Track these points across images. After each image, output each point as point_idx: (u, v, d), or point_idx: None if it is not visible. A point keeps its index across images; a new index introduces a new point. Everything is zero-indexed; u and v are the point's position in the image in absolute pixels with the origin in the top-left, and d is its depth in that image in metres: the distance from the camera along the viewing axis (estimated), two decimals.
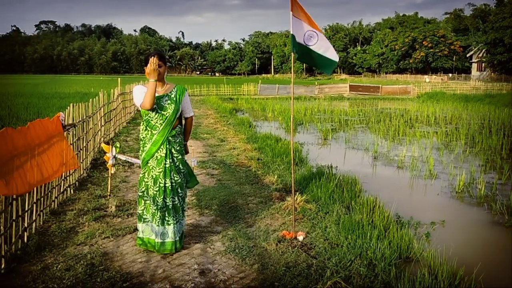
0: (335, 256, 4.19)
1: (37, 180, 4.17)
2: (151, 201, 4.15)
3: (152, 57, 3.98)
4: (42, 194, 5.02)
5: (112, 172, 6.28)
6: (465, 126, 16.02)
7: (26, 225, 4.47)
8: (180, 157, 4.25)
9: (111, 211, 5.52)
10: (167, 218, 4.17)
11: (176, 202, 4.20)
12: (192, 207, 5.81)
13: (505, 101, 26.76)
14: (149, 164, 4.16)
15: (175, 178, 4.19)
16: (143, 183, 4.20)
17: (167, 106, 4.10)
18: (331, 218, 5.25)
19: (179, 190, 4.22)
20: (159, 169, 4.12)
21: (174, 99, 4.14)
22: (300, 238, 4.68)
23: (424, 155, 10.63)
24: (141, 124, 4.24)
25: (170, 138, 4.16)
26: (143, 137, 4.20)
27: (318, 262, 4.10)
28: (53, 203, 5.51)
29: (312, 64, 4.85)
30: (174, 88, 4.20)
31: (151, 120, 4.11)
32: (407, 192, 7.75)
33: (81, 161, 7.07)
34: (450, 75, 72.62)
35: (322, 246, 4.49)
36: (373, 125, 16.76)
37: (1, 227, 3.84)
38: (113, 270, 3.88)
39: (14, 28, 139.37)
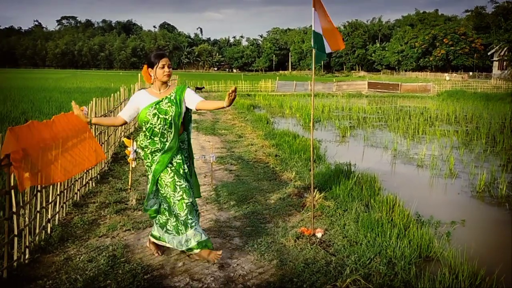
0: (354, 253, 4.19)
1: (68, 171, 4.25)
2: (168, 211, 3.96)
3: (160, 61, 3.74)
4: (65, 187, 5.12)
5: (133, 166, 6.36)
6: (486, 125, 15.76)
7: (49, 216, 4.56)
8: (189, 164, 4.06)
9: (132, 204, 5.60)
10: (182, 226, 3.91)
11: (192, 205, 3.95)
12: (210, 202, 5.85)
13: None
14: (164, 177, 3.85)
15: (184, 184, 3.89)
16: (160, 193, 3.95)
17: (168, 109, 3.78)
18: (350, 216, 5.24)
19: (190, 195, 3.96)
20: (172, 176, 3.85)
21: (174, 101, 3.81)
22: (319, 235, 4.68)
23: (444, 154, 10.51)
24: (142, 134, 3.93)
25: (180, 143, 3.94)
26: (145, 146, 3.88)
27: (337, 260, 4.10)
28: (75, 195, 5.61)
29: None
30: (173, 90, 3.88)
31: (155, 127, 3.79)
32: (427, 191, 7.68)
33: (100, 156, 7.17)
34: (471, 73, 71.54)
35: (341, 243, 4.48)
36: (392, 123, 16.61)
37: (26, 218, 3.93)
38: (134, 262, 3.94)
39: (37, 23, 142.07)
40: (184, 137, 4.01)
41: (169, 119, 3.78)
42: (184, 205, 3.82)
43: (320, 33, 4.61)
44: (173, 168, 3.89)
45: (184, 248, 3.92)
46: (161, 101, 3.81)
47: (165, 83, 3.90)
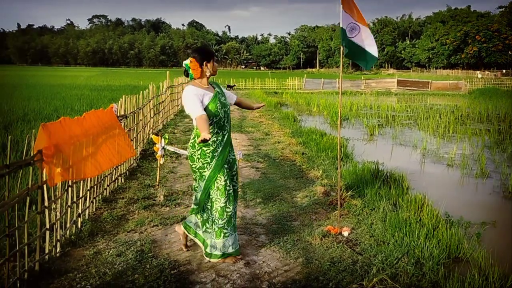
0: (381, 253, 4.14)
1: (94, 168, 4.34)
2: (229, 221, 3.88)
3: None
4: (95, 182, 5.23)
5: (161, 162, 6.46)
6: None
7: (80, 211, 4.67)
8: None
9: (160, 201, 5.68)
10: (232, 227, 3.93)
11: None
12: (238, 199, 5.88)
13: None
14: (220, 176, 3.79)
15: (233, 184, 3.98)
16: (222, 198, 3.82)
17: (225, 102, 3.84)
18: (377, 215, 5.18)
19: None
20: (226, 174, 3.83)
21: (222, 94, 3.89)
22: (345, 233, 4.65)
23: (475, 153, 10.27)
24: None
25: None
26: (213, 141, 3.76)
27: (363, 259, 4.06)
28: (105, 191, 5.73)
29: (352, 57, 4.76)
30: (212, 85, 3.89)
31: (221, 120, 3.77)
32: (457, 190, 7.52)
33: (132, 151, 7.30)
34: (504, 71, 69.55)
35: (368, 242, 4.44)
36: (422, 121, 16.32)
37: (57, 213, 4.04)
38: (161, 257, 4.00)
39: (69, 22, 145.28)
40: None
41: (228, 111, 3.88)
42: (225, 214, 3.81)
43: (348, 34, 4.55)
44: (227, 169, 3.86)
45: (204, 252, 3.96)
46: (217, 94, 3.79)
47: (208, 79, 3.87)
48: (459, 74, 69.46)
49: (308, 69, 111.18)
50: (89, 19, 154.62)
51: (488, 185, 7.74)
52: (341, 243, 4.39)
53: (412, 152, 10.63)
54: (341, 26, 4.54)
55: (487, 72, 68.14)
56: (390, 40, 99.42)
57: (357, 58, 4.73)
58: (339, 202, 5.08)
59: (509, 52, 73.79)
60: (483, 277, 3.76)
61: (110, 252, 4.07)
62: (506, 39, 75.64)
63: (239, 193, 6.11)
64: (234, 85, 35.07)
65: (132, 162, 7.36)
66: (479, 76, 57.26)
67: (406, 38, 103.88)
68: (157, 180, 6.47)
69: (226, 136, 3.84)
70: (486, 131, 13.93)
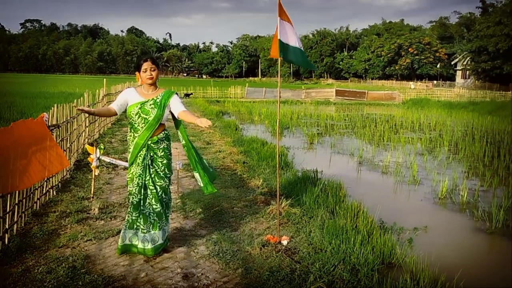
0: (319, 261, 4.21)
1: (22, 181, 4.10)
2: (133, 206, 4.13)
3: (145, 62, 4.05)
4: (24, 196, 4.95)
5: (96, 174, 6.22)
6: (449, 132, 16.21)
7: (7, 226, 4.40)
8: (165, 161, 4.20)
9: (94, 214, 5.46)
10: (149, 224, 4.15)
11: (159, 208, 4.15)
12: (176, 210, 5.77)
13: (489, 109, 27.17)
14: (132, 169, 4.14)
15: (158, 183, 4.16)
16: (129, 187, 4.19)
17: (150, 110, 4.05)
18: (316, 223, 5.27)
19: (163, 195, 4.20)
20: (140, 173, 4.11)
21: (159, 103, 4.08)
22: (284, 242, 4.68)
23: (408, 161, 10.74)
24: (128, 124, 4.24)
25: (151, 144, 4.13)
26: (128, 139, 4.24)
27: (301, 267, 4.11)
28: (35, 204, 5.44)
29: (301, 62, 4.87)
30: (161, 93, 4.15)
31: (134, 123, 4.11)
32: (391, 197, 7.81)
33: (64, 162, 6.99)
34: (435, 82, 73.46)
35: (306, 250, 4.50)
36: (359, 130, 16.88)
37: None
38: (95, 273, 3.84)
39: None
40: (161, 136, 4.19)
41: (149, 119, 4.07)
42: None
43: (284, 41, 4.64)
44: (142, 167, 4.15)
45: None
46: (147, 102, 4.08)
47: (153, 85, 4.15)
48: (394, 84, 72.58)
49: (250, 78, 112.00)
50: (21, 24, 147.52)
51: (420, 191, 8.10)
52: (280, 252, 4.42)
53: (349, 160, 10.95)
54: (278, 37, 4.60)
55: (419, 83, 71.63)
56: (329, 51, 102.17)
57: (306, 64, 4.86)
58: (278, 211, 5.13)
59: (439, 64, 78.03)
60: (415, 282, 3.92)
61: (40, 269, 3.85)
62: (436, 51, 79.94)
63: (178, 204, 6.02)
64: (191, 93, 35.73)
65: (65, 174, 7.05)
66: (412, 87, 60.14)
67: (344, 49, 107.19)
68: (92, 192, 6.23)
69: (136, 139, 4.11)
70: (418, 139, 14.62)
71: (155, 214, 4.16)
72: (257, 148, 10.56)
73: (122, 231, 4.24)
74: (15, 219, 4.66)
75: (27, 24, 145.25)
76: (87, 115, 9.63)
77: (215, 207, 5.95)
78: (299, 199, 6.28)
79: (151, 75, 4.05)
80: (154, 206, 4.15)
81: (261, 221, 5.47)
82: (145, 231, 4.14)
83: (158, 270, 3.95)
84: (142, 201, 4.13)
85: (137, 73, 4.13)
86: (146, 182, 4.13)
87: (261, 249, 4.48)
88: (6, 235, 4.39)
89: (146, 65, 4.04)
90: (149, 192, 4.15)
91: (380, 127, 17.27)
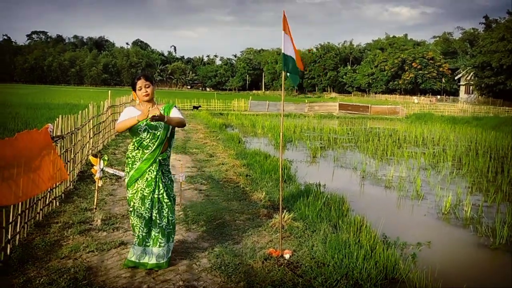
0: (321, 275, 4.18)
1: (25, 192, 4.11)
2: (145, 222, 4.12)
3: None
4: (27, 206, 4.96)
5: (99, 185, 6.23)
6: (453, 147, 16.19)
7: (9, 237, 4.39)
8: (169, 182, 4.27)
9: (97, 225, 5.46)
10: (155, 239, 4.15)
11: (164, 225, 4.17)
12: (179, 222, 5.76)
13: (492, 124, 27.15)
14: (137, 185, 4.11)
15: (165, 201, 4.17)
16: (132, 203, 4.14)
17: (157, 125, 4.05)
18: (318, 237, 5.24)
19: (169, 213, 4.21)
20: (148, 190, 4.10)
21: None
22: (287, 256, 4.66)
23: (411, 176, 10.71)
24: (131, 144, 4.20)
25: (160, 159, 4.16)
26: (133, 156, 4.15)
27: (304, 281, 4.08)
28: (38, 215, 5.44)
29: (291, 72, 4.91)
30: (162, 108, 4.16)
31: (144, 140, 4.08)
32: (394, 212, 7.78)
33: (68, 173, 7.01)
34: (439, 97, 73.53)
35: (309, 265, 4.47)
36: (362, 144, 16.87)
37: None
38: (96, 285, 3.82)
39: (6, 37, 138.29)
40: (168, 153, 4.26)
41: (158, 134, 4.07)
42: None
43: (290, 55, 4.69)
44: (145, 188, 4.14)
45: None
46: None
47: (150, 102, 4.14)
48: (397, 99, 72.65)
49: (254, 91, 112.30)
50: (28, 35, 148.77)
51: (423, 206, 8.07)
52: (282, 266, 4.39)
53: (352, 174, 10.93)
54: (283, 51, 4.64)
55: (422, 97, 71.67)
56: (332, 65, 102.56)
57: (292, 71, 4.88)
58: (280, 225, 5.11)
59: (443, 79, 78.16)
60: None
61: (41, 280, 3.84)
62: (440, 66, 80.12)
63: (181, 216, 6.01)
64: (199, 106, 35.88)
65: (68, 185, 7.06)
66: (416, 101, 60.21)
67: (348, 63, 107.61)
68: (95, 203, 6.23)
69: (146, 155, 4.09)
70: (421, 154, 14.60)
71: (171, 226, 4.21)
72: (260, 161, 10.56)
73: (132, 247, 4.25)
74: (18, 230, 4.66)
75: (33, 36, 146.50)
76: (91, 126, 9.68)
77: (218, 219, 5.94)
78: (302, 212, 6.26)
79: (147, 91, 4.08)
80: (170, 218, 4.19)
81: (263, 234, 5.45)
82: (162, 244, 4.15)
83: (160, 283, 3.94)
84: (158, 215, 4.13)
85: (133, 92, 4.17)
86: (160, 196, 4.14)
87: (263, 263, 4.45)
88: (9, 245, 4.38)
89: (140, 83, 4.07)
90: (164, 205, 4.16)
91: (384, 141, 17.26)
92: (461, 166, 12.34)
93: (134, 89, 4.12)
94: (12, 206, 4.46)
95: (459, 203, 8.21)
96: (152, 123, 4.01)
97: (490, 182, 10.24)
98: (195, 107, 35.27)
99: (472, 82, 63.89)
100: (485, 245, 6.13)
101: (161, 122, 4.01)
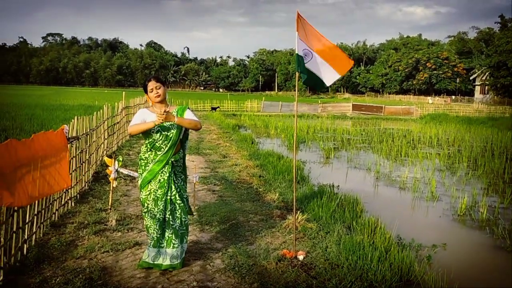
0: (336, 277, 4.16)
1: (40, 193, 4.16)
2: (159, 223, 4.15)
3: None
4: (43, 206, 5.02)
5: (114, 185, 6.28)
6: (468, 148, 15.99)
7: (26, 237, 4.46)
8: (182, 183, 4.31)
9: (112, 225, 5.50)
10: (168, 241, 4.19)
11: (177, 226, 4.20)
12: (192, 223, 5.78)
13: (508, 125, 26.77)
14: (150, 187, 4.14)
15: (178, 202, 4.21)
16: (145, 204, 4.17)
17: (170, 126, 4.11)
18: (332, 238, 5.22)
19: (182, 215, 4.24)
20: (161, 191, 4.13)
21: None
22: (301, 257, 4.65)
23: (426, 177, 10.60)
24: (143, 146, 4.24)
25: (173, 161, 4.19)
26: (145, 157, 4.19)
27: (318, 283, 4.07)
28: (53, 215, 5.50)
29: (307, 82, 4.88)
30: (175, 110, 4.20)
31: (156, 142, 4.12)
32: (408, 213, 7.71)
33: (83, 173, 7.08)
34: (453, 97, 72.67)
35: (323, 266, 4.45)
36: (376, 145, 16.76)
37: (1, 239, 3.83)
38: (111, 285, 3.86)
39: (22, 39, 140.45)
40: (181, 154, 4.30)
41: (170, 136, 4.12)
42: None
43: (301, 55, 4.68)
44: (157, 189, 4.17)
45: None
46: None
47: (163, 103, 4.18)
48: (411, 99, 72.07)
49: (267, 92, 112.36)
50: (43, 37, 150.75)
51: (438, 208, 7.98)
52: (296, 267, 4.38)
53: (366, 175, 10.86)
54: (296, 52, 4.63)
55: (437, 98, 70.94)
56: None
57: (312, 83, 4.86)
58: (294, 226, 5.10)
59: (458, 79, 77.32)
60: None
61: (57, 280, 3.89)
62: (454, 66, 79.25)
63: (195, 216, 6.03)
64: (218, 107, 35.93)
65: (83, 185, 7.13)
66: (430, 101, 59.60)
67: (361, 64, 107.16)
68: (110, 204, 6.28)
69: (158, 157, 4.13)
70: (436, 155, 14.45)
71: (184, 227, 4.25)
72: (273, 162, 10.55)
73: (147, 248, 4.28)
74: (34, 230, 4.72)
75: (48, 38, 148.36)
76: (106, 127, 9.77)
77: (231, 220, 5.95)
78: (316, 213, 6.24)
79: (158, 93, 4.11)
80: (183, 219, 4.23)
81: (277, 235, 5.44)
82: (176, 245, 4.19)
83: (174, 283, 3.95)
84: (171, 217, 4.17)
85: (145, 95, 4.23)
86: (173, 197, 4.18)
87: (277, 264, 4.45)
88: (25, 245, 4.44)
89: (151, 85, 4.12)
90: (177, 206, 4.20)
91: (398, 142, 17.12)
92: (477, 167, 12.18)
93: (146, 92, 4.18)
94: (28, 206, 4.52)
95: (475, 204, 8.11)
96: (164, 124, 4.05)
97: (506, 183, 10.10)
98: (214, 108, 35.36)
99: (487, 82, 63.04)
100: (502, 247, 6.04)
101: (174, 123, 4.04)
